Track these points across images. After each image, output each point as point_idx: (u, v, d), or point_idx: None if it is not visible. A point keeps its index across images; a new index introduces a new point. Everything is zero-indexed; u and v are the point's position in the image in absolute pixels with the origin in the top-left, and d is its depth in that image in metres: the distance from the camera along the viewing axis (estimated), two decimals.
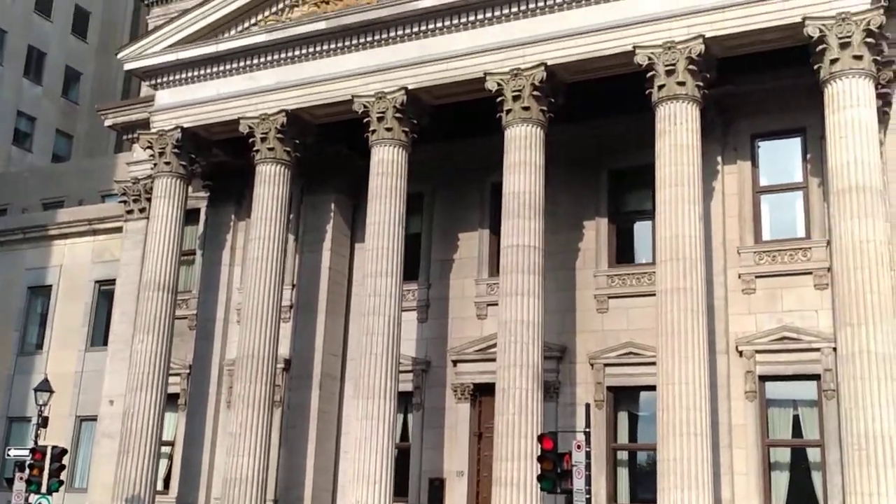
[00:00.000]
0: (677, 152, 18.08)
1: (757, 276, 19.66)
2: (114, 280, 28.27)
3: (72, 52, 55.19)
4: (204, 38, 23.81)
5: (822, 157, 18.61)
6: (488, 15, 20.43)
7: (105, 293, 29.81)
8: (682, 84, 18.26)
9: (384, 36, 21.57)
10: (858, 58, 17.04)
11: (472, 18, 20.64)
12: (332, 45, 22.22)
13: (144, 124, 25.48)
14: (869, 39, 17.03)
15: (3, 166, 49.77)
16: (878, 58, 17.49)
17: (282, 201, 22.69)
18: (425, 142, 21.96)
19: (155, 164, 24.31)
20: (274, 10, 23.29)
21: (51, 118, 53.62)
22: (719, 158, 20.39)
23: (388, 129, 21.16)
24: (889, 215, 17.20)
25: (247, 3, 23.31)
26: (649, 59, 18.51)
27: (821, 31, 17.26)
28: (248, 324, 21.81)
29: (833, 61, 17.16)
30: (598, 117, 21.54)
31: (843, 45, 17.07)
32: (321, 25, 22.14)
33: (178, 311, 24.39)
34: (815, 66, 17.57)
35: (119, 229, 28.82)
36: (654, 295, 18.07)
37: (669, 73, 18.31)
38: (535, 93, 19.57)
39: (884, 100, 18.55)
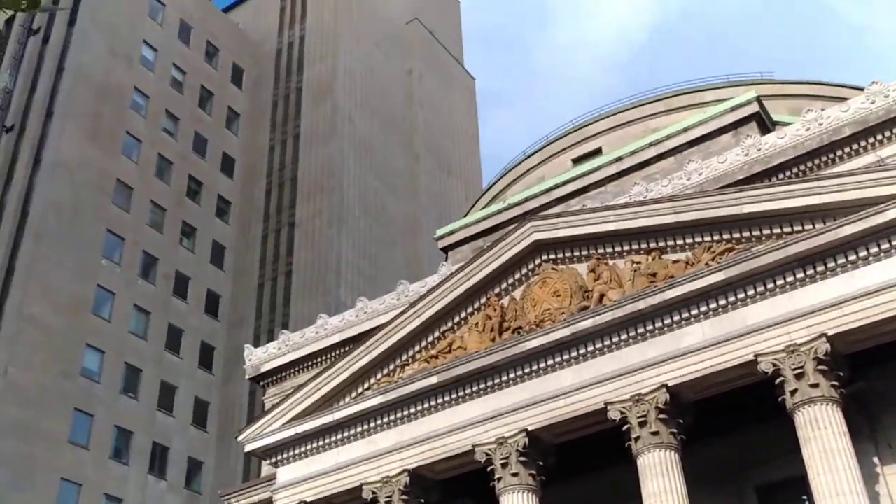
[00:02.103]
0: (829, 459, 16.74)
1: None
2: None
3: (192, 443, 56.95)
4: (319, 410, 24.09)
5: None
6: (598, 345, 20.32)
7: None
8: (815, 386, 17.38)
9: (496, 381, 21.50)
10: None
11: (581, 351, 20.54)
12: (446, 398, 22.17)
13: None
14: None
15: None
16: None
17: None
18: (554, 481, 20.97)
19: None
20: (385, 371, 23.68)
21: None
22: (875, 460, 18.79)
23: (514, 475, 20.37)
24: None
25: (359, 370, 23.80)
26: (774, 365, 17.84)
27: None
28: None
29: None
30: (734, 430, 20.44)
31: None
32: (433, 380, 22.26)
33: None
34: None
35: None
36: None
37: (799, 376, 17.52)
38: (662, 416, 18.84)
39: None
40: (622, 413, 19.30)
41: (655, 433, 18.81)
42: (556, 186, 28.46)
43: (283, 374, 29.46)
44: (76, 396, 51.42)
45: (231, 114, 72.39)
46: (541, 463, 20.66)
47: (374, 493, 22.32)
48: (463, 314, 23.02)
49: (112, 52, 63.83)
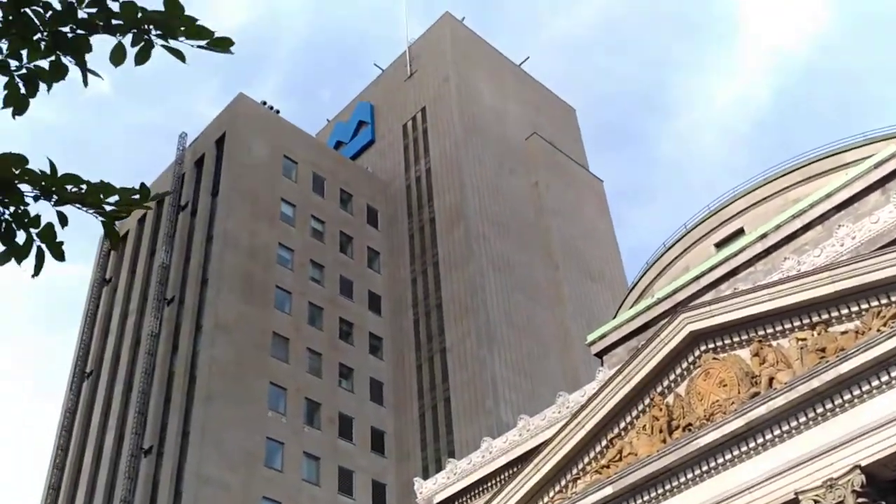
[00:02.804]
0: None
1: None
2: None
3: None
4: None
5: None
6: (776, 432, 19.26)
7: None
8: None
9: (674, 484, 20.62)
10: None
11: (759, 441, 19.51)
12: None
13: None
14: None
15: None
16: None
17: None
18: None
19: None
20: (557, 488, 23.12)
21: None
22: None
23: None
24: None
25: (531, 490, 23.33)
26: None
27: None
28: None
29: None
30: None
31: None
32: (608, 491, 21.57)
33: None
34: None
35: None
36: None
37: None
38: (861, 500, 17.55)
39: None
40: (816, 502, 18.07)
41: None
42: (703, 274, 27.73)
43: (456, 502, 29.14)
44: None
45: (371, 253, 74.70)
46: None
47: None
48: (628, 418, 22.38)
49: (254, 213, 67.48)
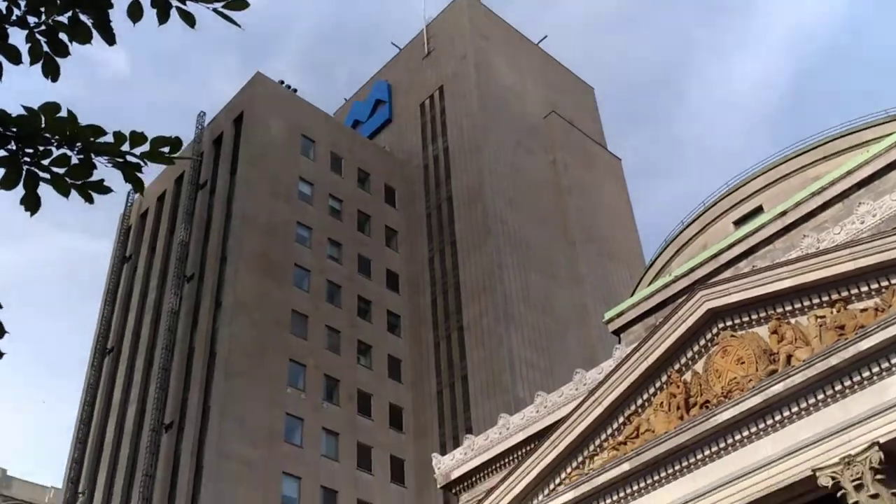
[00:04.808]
0: None
1: None
2: None
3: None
4: None
5: None
6: (794, 409, 19.26)
7: None
8: None
9: (691, 461, 20.69)
10: None
11: (777, 418, 19.54)
12: (641, 484, 21.49)
13: None
14: None
15: None
16: None
17: None
18: None
19: None
20: (574, 464, 23.24)
21: None
22: None
23: None
24: None
25: (548, 466, 23.46)
26: None
27: None
28: None
29: None
30: None
31: None
32: (625, 467, 21.67)
33: None
34: None
35: None
36: None
37: None
38: (879, 476, 17.54)
39: None
40: (833, 478, 18.11)
41: (875, 496, 17.50)
42: (722, 251, 27.65)
43: (473, 478, 29.35)
44: None
45: (389, 232, 74.83)
46: None
47: None
48: (645, 395, 22.45)
49: (272, 192, 67.69)
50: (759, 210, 30.82)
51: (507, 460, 28.20)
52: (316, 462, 56.92)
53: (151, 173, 72.43)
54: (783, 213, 26.84)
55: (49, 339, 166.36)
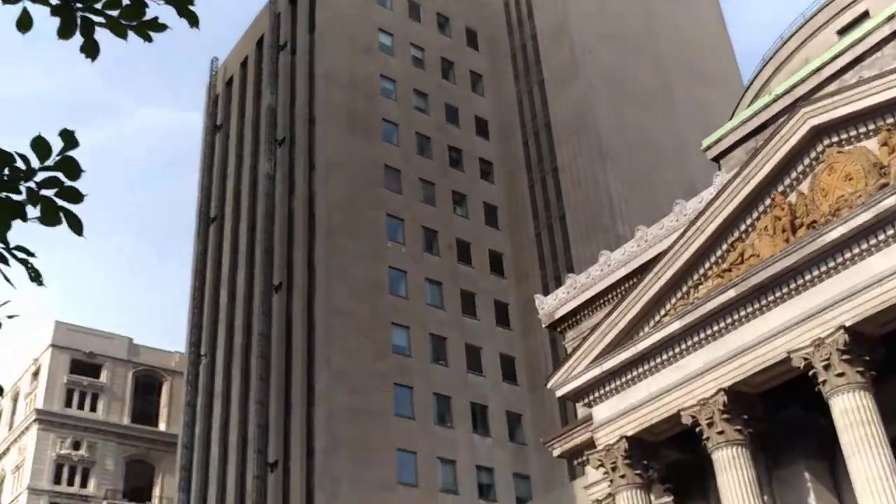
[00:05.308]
0: None
1: None
2: None
3: (507, 398, 58.95)
4: (621, 345, 23.95)
5: None
6: None
7: None
8: None
9: (799, 283, 20.23)
10: None
11: (890, 232, 18.81)
12: (749, 310, 21.22)
13: (590, 444, 25.47)
14: None
15: None
16: None
17: (748, 485, 20.83)
18: (887, 374, 19.45)
19: (611, 481, 23.85)
20: (679, 295, 23.07)
21: (505, 465, 56.37)
22: None
23: (840, 375, 19.13)
24: None
25: (652, 298, 23.36)
26: None
27: None
28: None
29: None
30: None
31: None
32: (731, 294, 21.38)
33: None
34: None
35: None
36: None
37: None
38: None
39: None
40: None
41: None
42: (825, 64, 26.10)
43: (578, 316, 29.59)
44: (394, 373, 54.87)
45: (474, 77, 73.46)
46: (867, 358, 19.24)
47: (693, 416, 21.88)
48: (749, 220, 21.88)
49: (353, 46, 66.83)
50: (864, 16, 28.83)
51: (610, 296, 28.23)
52: (423, 311, 58.35)
53: (230, 39, 72.10)
54: (892, 17, 25.00)
55: (154, 211, 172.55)
